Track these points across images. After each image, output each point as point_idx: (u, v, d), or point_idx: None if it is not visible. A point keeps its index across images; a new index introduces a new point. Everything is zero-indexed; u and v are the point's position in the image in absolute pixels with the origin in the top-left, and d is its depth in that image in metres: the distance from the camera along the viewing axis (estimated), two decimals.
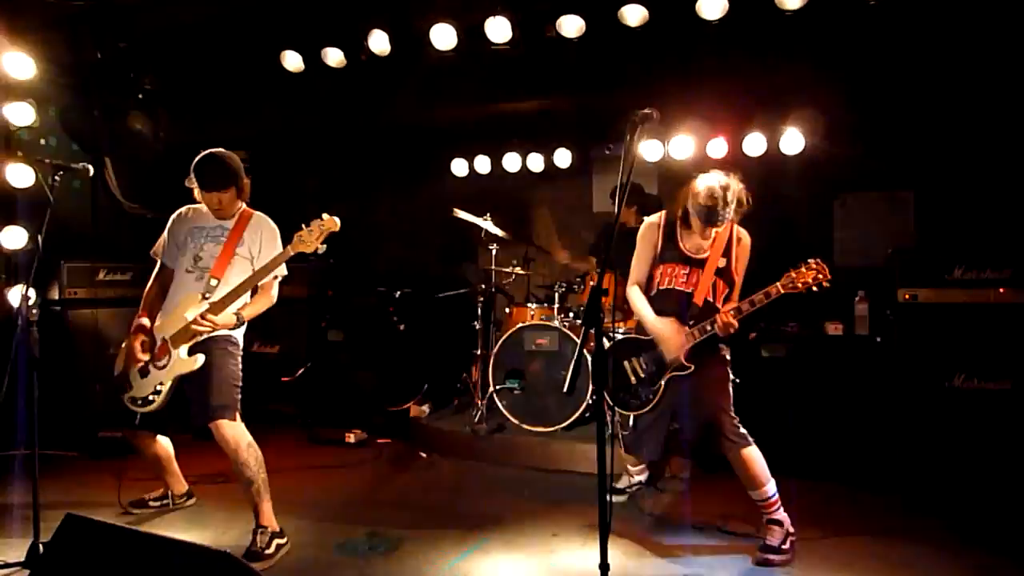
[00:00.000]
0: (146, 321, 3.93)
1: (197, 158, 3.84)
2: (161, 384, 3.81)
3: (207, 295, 3.81)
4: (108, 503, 4.21)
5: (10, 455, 4.76)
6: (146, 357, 3.83)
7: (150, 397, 3.83)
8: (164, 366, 3.81)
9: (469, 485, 4.95)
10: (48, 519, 3.21)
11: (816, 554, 3.65)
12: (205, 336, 3.80)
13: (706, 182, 3.61)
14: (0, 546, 3.65)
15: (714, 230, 3.71)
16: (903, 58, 5.03)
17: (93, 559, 2.70)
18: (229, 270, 3.87)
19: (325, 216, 3.67)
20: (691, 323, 3.70)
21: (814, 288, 3.45)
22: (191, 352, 3.78)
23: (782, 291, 3.50)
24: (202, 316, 3.68)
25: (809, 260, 3.49)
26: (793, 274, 3.48)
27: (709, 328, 3.63)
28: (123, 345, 3.95)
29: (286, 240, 3.80)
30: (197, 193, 4.00)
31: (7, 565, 3.38)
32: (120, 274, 5.95)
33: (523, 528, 4.07)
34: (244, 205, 4.01)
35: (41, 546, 3.27)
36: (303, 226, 3.68)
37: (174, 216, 4.06)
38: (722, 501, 4.29)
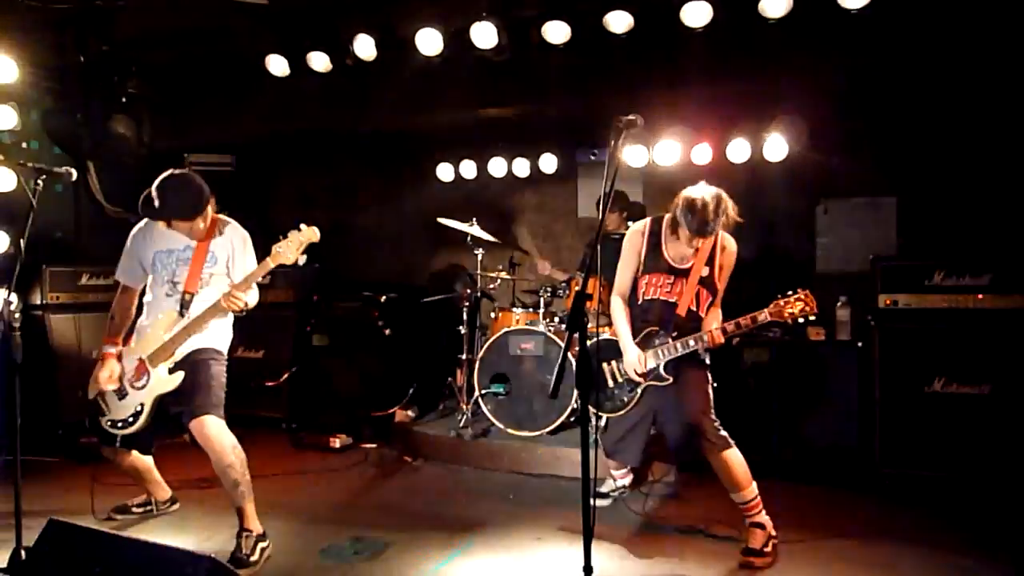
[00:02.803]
0: (113, 348, 3.87)
1: (159, 190, 3.61)
2: (141, 405, 3.78)
3: (183, 311, 3.77)
4: (90, 508, 4.17)
5: None
6: (115, 385, 3.79)
7: (130, 419, 3.80)
8: (143, 386, 3.77)
9: (454, 490, 4.95)
10: (30, 524, 3.19)
11: (798, 557, 3.68)
12: (187, 352, 3.77)
13: (698, 193, 3.60)
14: None
15: (702, 240, 3.71)
16: (886, 65, 5.09)
17: (75, 564, 2.69)
18: (205, 284, 3.82)
19: (303, 226, 3.59)
20: (674, 334, 3.71)
21: (799, 319, 3.48)
22: (171, 370, 3.76)
23: (769, 318, 3.52)
24: (230, 294, 3.60)
25: (798, 290, 3.50)
26: (781, 302, 3.50)
27: (692, 344, 3.65)
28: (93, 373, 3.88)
29: (262, 251, 3.74)
30: (162, 225, 3.78)
31: None
32: (103, 278, 5.89)
33: (508, 532, 4.08)
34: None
35: (23, 551, 3.25)
36: (280, 237, 3.59)
37: (134, 233, 3.95)
38: (705, 505, 4.32)
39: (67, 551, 2.75)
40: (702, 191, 3.61)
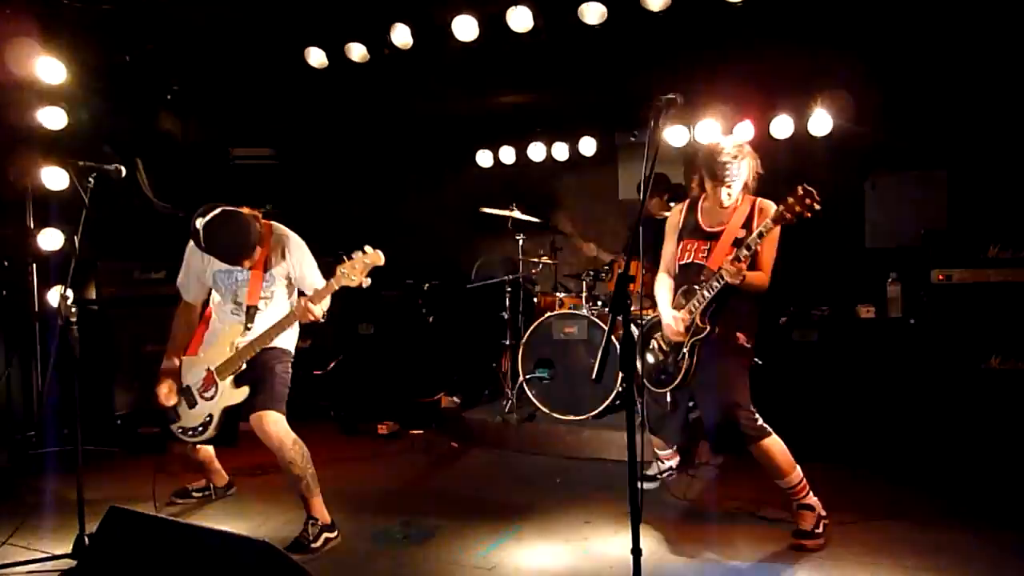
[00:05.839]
0: (174, 362, 3.93)
1: (205, 233, 3.59)
2: (210, 415, 3.84)
3: (248, 325, 3.81)
4: (148, 496, 4.27)
5: (51, 451, 4.88)
6: (173, 401, 3.86)
7: (199, 428, 3.87)
8: (212, 397, 3.83)
9: (501, 474, 4.98)
10: (91, 512, 3.30)
11: (849, 538, 3.62)
12: (253, 356, 3.80)
13: (716, 139, 3.61)
14: (47, 539, 3.76)
15: (725, 191, 3.64)
16: (933, 34, 4.93)
17: (137, 549, 2.77)
18: (268, 300, 3.86)
19: (368, 248, 3.53)
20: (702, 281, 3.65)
21: (807, 215, 3.31)
22: (238, 383, 3.81)
23: (772, 225, 3.42)
24: (306, 307, 3.59)
25: (797, 187, 3.33)
26: (782, 206, 3.37)
27: (716, 284, 3.55)
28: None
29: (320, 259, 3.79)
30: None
31: (55, 557, 3.48)
32: (154, 272, 6.05)
33: (555, 516, 4.09)
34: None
35: (86, 538, 3.36)
36: (344, 258, 3.54)
37: (190, 249, 3.94)
38: (754, 486, 4.26)
39: (128, 537, 2.83)
40: (722, 139, 3.59)
